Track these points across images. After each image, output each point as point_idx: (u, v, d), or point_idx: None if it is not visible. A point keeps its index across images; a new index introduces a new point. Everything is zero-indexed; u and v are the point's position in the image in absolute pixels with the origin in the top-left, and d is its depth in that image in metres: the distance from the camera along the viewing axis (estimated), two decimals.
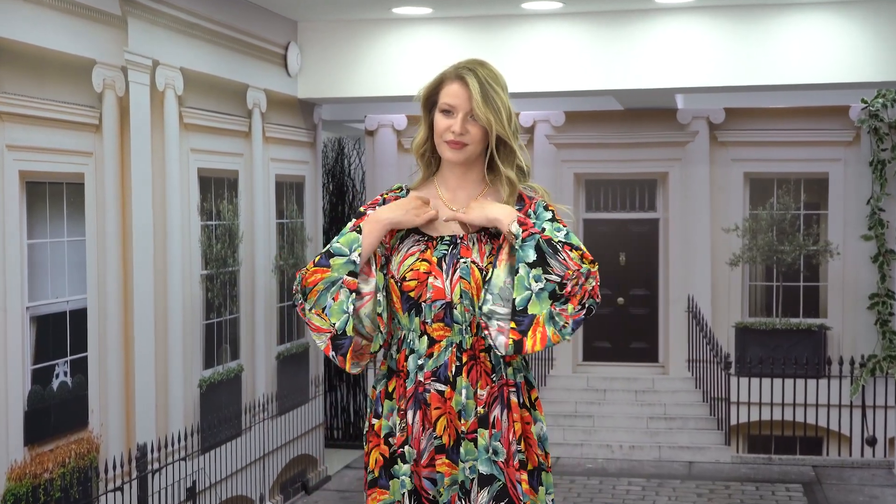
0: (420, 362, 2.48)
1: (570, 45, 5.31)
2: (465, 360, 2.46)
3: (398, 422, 2.50)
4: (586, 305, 2.43)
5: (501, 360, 2.48)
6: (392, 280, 2.51)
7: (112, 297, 3.90)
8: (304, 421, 5.73)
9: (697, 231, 6.36)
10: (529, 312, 2.40)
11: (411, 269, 2.48)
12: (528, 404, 2.51)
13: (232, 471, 4.86)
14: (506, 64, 5.24)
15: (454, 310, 2.45)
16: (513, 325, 2.41)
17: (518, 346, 2.42)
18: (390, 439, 2.51)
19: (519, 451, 2.46)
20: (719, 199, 6.34)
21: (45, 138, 3.53)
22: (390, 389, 2.52)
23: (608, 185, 6.49)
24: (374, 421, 2.56)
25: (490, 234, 2.52)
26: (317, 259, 2.54)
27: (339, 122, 7.17)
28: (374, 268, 2.53)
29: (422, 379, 2.47)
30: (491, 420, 2.45)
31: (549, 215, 2.52)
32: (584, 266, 2.44)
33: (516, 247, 2.42)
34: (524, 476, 2.46)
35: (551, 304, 2.40)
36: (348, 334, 2.50)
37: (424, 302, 2.47)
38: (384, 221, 2.52)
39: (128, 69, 3.98)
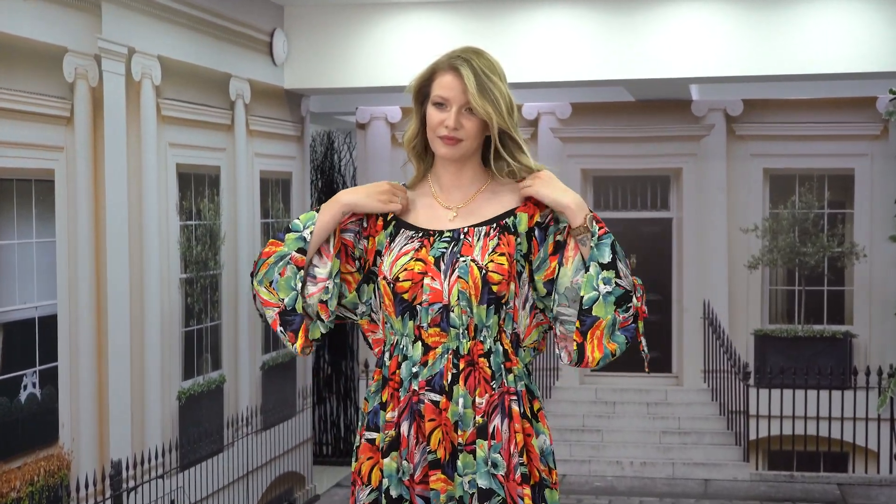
0: (414, 370, 2.48)
1: (576, 31, 5.32)
2: (462, 366, 2.46)
3: (390, 434, 2.50)
4: (639, 324, 2.51)
5: (502, 366, 2.48)
6: (384, 281, 2.51)
7: (84, 303, 3.91)
8: (290, 436, 5.73)
9: (713, 231, 6.37)
10: (593, 314, 2.44)
11: (405, 269, 2.48)
12: (529, 415, 2.51)
13: (213, 489, 4.87)
14: (508, 51, 5.25)
15: (451, 313, 2.46)
16: (577, 323, 2.45)
17: (581, 351, 2.46)
18: (392, 452, 2.52)
19: (521, 464, 2.46)
20: (737, 197, 6.35)
21: (11, 132, 3.53)
22: (384, 399, 2.53)
23: (617, 182, 6.50)
24: (372, 434, 2.56)
25: (502, 227, 2.51)
26: (275, 234, 2.60)
27: (329, 114, 7.17)
28: (331, 251, 2.56)
29: (416, 388, 2.47)
30: (490, 430, 2.45)
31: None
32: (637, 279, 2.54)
33: (590, 244, 2.45)
34: (527, 491, 2.45)
35: (615, 311, 2.45)
36: (298, 311, 2.54)
37: (420, 305, 2.47)
38: (341, 202, 2.57)
39: (101, 57, 3.98)
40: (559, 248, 2.52)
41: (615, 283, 2.46)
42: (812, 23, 5.12)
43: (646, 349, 2.57)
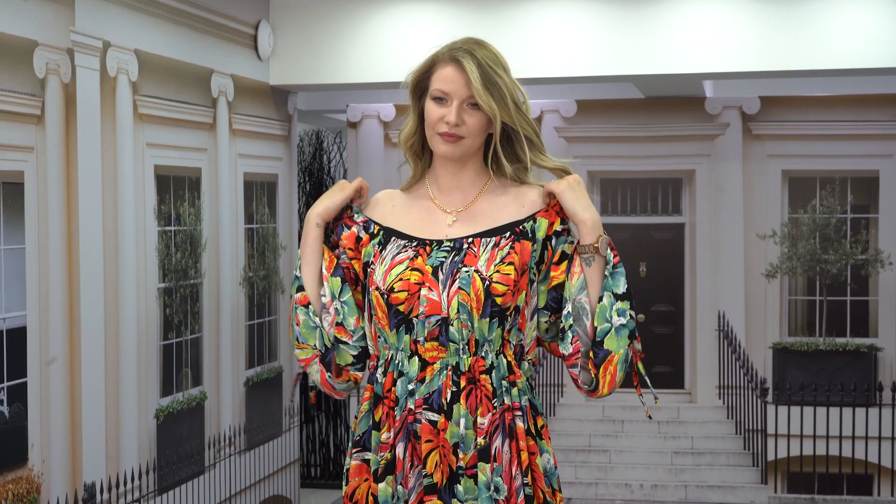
0: (410, 387, 2.46)
1: (582, 23, 5.32)
2: (462, 384, 2.45)
3: (385, 457, 2.49)
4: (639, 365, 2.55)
5: (504, 381, 2.47)
6: (376, 292, 2.49)
7: (56, 314, 3.89)
8: (276, 457, 5.72)
9: (729, 238, 6.37)
10: (605, 347, 2.46)
11: (400, 279, 2.47)
12: (534, 432, 2.50)
13: None
14: (509, 45, 5.24)
15: (450, 326, 2.44)
16: (591, 353, 2.48)
17: (596, 382, 2.49)
18: (388, 476, 2.50)
19: (525, 485, 2.45)
20: (754, 200, 6.35)
21: None
22: (377, 419, 2.51)
23: (626, 185, 6.50)
24: (367, 455, 2.54)
25: (519, 234, 2.50)
26: None
27: (318, 112, 7.17)
28: (325, 272, 2.57)
29: (412, 407, 2.46)
30: (493, 452, 2.44)
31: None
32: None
33: (603, 271, 2.47)
34: None
35: (630, 345, 2.46)
36: (329, 347, 2.55)
37: (416, 317, 2.46)
38: (312, 217, 2.61)
39: (74, 52, 3.97)
40: (563, 258, 2.52)
41: (629, 314, 2.48)
42: (833, 15, 5.12)
43: (646, 393, 2.55)
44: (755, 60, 5.20)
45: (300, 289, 2.57)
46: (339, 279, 2.56)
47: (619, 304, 2.47)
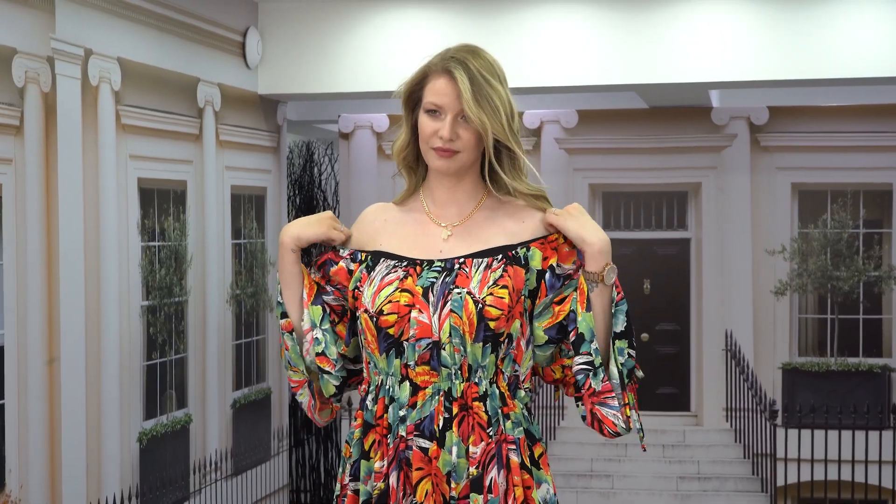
0: (402, 413, 2.46)
1: (583, 29, 5.34)
2: (455, 410, 2.45)
3: (379, 487, 2.49)
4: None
5: (499, 411, 2.47)
6: (365, 314, 2.49)
7: (34, 333, 3.89)
8: (265, 482, 5.71)
9: (736, 253, 6.38)
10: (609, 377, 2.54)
11: (389, 301, 2.47)
12: (529, 463, 2.50)
13: None
14: (507, 52, 5.26)
15: (442, 350, 2.44)
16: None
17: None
18: None
19: None
20: (762, 215, 6.36)
21: None
22: (367, 447, 2.51)
23: (629, 199, 6.51)
24: (350, 483, 2.55)
25: (511, 259, 2.50)
26: None
27: (308, 122, 7.18)
28: (305, 298, 2.59)
29: (404, 434, 2.46)
30: (487, 483, 2.44)
31: None
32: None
33: (609, 305, 2.49)
34: None
35: (629, 386, 2.49)
36: (313, 374, 2.61)
37: (406, 341, 2.46)
38: (285, 239, 2.62)
39: (55, 60, 3.98)
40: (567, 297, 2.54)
41: (628, 353, 2.49)
42: (845, 22, 5.14)
43: (639, 427, 2.58)
44: (764, 69, 5.22)
45: (283, 315, 2.60)
46: (319, 308, 2.58)
47: (620, 343, 2.50)
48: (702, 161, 6.41)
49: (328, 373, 2.58)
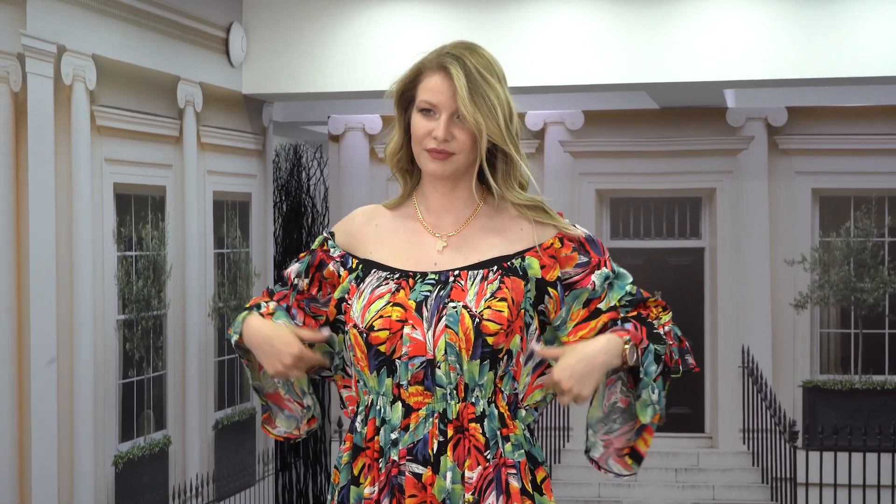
0: (394, 436, 2.45)
1: (589, 25, 5.34)
2: (450, 433, 2.43)
3: None
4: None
5: (497, 432, 2.46)
6: (354, 330, 2.48)
7: (3, 351, 3.89)
8: None
9: (753, 264, 6.38)
10: (644, 422, 2.56)
11: (380, 316, 2.45)
12: (531, 489, 2.49)
13: None
14: (508, 49, 5.26)
15: (437, 369, 2.43)
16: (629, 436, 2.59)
17: (636, 455, 2.59)
18: None
19: None
20: (781, 223, 6.36)
21: None
22: (356, 472, 2.50)
23: (639, 206, 6.51)
24: None
25: (507, 270, 2.49)
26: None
27: (296, 124, 7.18)
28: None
29: (396, 458, 2.45)
30: None
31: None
32: (663, 317, 2.62)
33: (640, 374, 2.52)
34: None
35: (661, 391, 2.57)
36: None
37: (399, 359, 2.45)
38: (247, 346, 2.60)
39: (25, 57, 3.98)
40: (594, 315, 2.55)
41: (662, 381, 2.55)
42: (868, 17, 5.14)
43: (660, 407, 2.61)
44: (782, 67, 5.22)
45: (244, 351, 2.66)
46: (305, 377, 2.64)
47: (657, 382, 2.54)
48: (716, 165, 6.41)
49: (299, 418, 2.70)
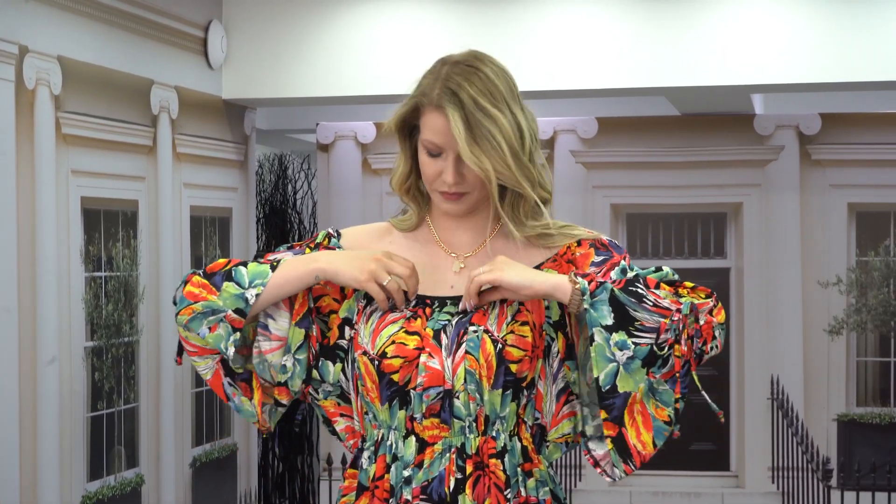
0: (406, 473, 2.45)
1: (605, 27, 5.35)
2: (469, 470, 2.44)
3: None
4: (699, 353, 2.47)
5: (519, 469, 2.46)
6: (364, 357, 2.48)
7: None
8: None
9: (783, 286, 6.38)
10: (620, 391, 2.40)
11: (393, 343, 2.45)
12: None
13: None
14: (513, 51, 5.27)
15: (455, 400, 2.43)
16: (603, 414, 2.40)
17: (622, 447, 2.41)
18: None
19: None
20: (814, 240, 6.37)
21: None
22: None
23: (658, 222, 6.52)
24: None
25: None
26: (211, 270, 2.55)
27: (281, 132, 7.19)
28: (284, 307, 2.53)
29: (409, 497, 2.45)
30: None
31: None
32: (684, 300, 2.49)
33: (585, 306, 2.40)
34: None
35: (648, 373, 2.40)
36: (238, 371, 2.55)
37: (413, 389, 2.45)
38: (312, 268, 2.50)
39: None
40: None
41: (632, 343, 2.41)
42: None
43: (710, 401, 2.54)
44: (815, 70, 5.23)
45: (240, 312, 2.50)
46: (302, 332, 2.54)
47: (617, 336, 2.41)
48: (743, 178, 6.41)
49: (282, 406, 2.58)
